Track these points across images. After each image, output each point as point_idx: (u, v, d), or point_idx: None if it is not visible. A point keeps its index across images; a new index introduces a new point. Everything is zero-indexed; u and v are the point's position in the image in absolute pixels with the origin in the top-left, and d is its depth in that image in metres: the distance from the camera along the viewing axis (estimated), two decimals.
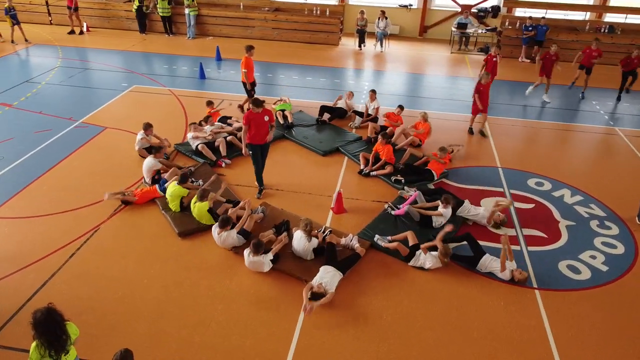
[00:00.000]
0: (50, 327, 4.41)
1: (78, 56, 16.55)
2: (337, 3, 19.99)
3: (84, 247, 7.50)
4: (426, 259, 7.19)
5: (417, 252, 7.27)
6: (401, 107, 11.51)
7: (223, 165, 9.87)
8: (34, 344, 4.49)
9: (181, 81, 14.59)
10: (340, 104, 12.24)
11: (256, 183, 9.01)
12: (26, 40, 17.67)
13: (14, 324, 6.11)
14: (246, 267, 7.12)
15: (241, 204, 8.07)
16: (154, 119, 11.68)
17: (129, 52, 17.24)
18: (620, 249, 7.93)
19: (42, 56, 16.55)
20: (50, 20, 20.11)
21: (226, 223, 7.33)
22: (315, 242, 7.27)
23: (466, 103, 13.50)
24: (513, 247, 7.82)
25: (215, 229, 7.48)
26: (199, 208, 7.85)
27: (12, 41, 17.41)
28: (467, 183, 9.63)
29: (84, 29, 19.30)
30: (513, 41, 17.75)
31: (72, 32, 19.06)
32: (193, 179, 9.08)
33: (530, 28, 17.19)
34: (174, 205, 8.16)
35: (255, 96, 8.46)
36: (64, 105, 12.44)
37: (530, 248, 7.88)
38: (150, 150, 9.83)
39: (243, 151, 8.90)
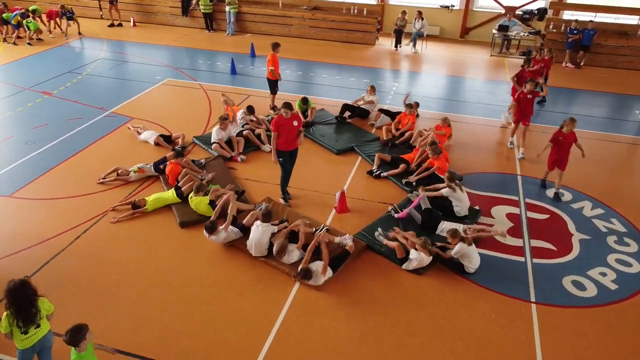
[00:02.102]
0: (19, 298, 4.65)
1: (120, 49, 17.27)
2: (376, 3, 19.80)
3: (90, 230, 7.85)
4: (410, 261, 7.05)
5: (410, 255, 7.14)
6: (409, 106, 11.20)
7: (239, 160, 10.00)
8: (5, 312, 4.75)
9: (213, 76, 14.94)
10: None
11: (281, 192, 8.72)
12: (80, 33, 18.72)
13: None
14: (238, 260, 7.24)
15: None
16: (179, 111, 12.16)
17: (169, 46, 17.82)
18: (635, 268, 7.43)
19: (88, 48, 17.43)
20: (101, 15, 21.09)
21: (212, 229, 7.33)
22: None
23: (499, 108, 13.08)
24: (518, 258, 7.55)
25: (205, 233, 7.41)
26: (197, 202, 8.02)
27: (66, 35, 18.47)
28: (481, 189, 9.31)
29: (131, 23, 20.18)
30: (557, 45, 16.96)
31: (112, 25, 20.00)
32: (204, 172, 9.30)
33: (575, 32, 16.37)
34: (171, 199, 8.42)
35: (286, 101, 8.26)
36: (98, 96, 13.02)
37: (536, 260, 7.52)
38: (168, 139, 10.19)
39: (273, 159, 8.37)
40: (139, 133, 10.59)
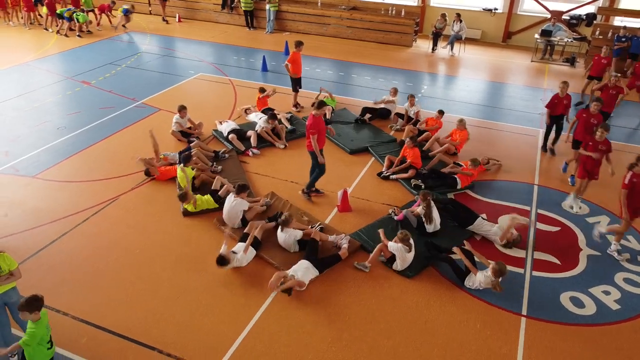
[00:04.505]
0: None
1: (162, 44, 17.94)
2: (416, 4, 19.54)
3: (99, 213, 8.24)
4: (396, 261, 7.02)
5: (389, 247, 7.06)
6: (441, 112, 11.05)
7: (250, 154, 10.19)
8: None
9: (244, 72, 15.25)
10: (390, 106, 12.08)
11: (307, 187, 8.78)
12: (124, 26, 19.56)
13: (21, 270, 6.85)
14: None
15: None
16: (204, 104, 12.51)
17: (209, 42, 18.33)
18: None
19: (132, 42, 18.19)
20: (150, 11, 21.99)
21: (244, 189, 7.94)
22: (297, 233, 7.32)
23: (531, 115, 12.63)
24: (516, 269, 7.29)
25: (231, 195, 7.93)
26: (190, 208, 8.23)
27: (115, 27, 19.43)
28: (493, 197, 9.04)
29: (176, 19, 20.92)
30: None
31: (164, 20, 20.81)
32: (215, 163, 9.54)
33: (623, 39, 15.52)
34: (183, 185, 8.66)
35: (320, 99, 8.29)
36: (132, 87, 13.59)
37: (536, 273, 7.23)
38: (185, 135, 10.48)
39: (321, 160, 8.40)
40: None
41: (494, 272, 6.53)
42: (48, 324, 4.90)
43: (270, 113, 10.94)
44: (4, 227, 7.82)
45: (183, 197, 8.07)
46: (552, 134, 10.67)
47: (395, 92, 12.04)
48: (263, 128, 10.62)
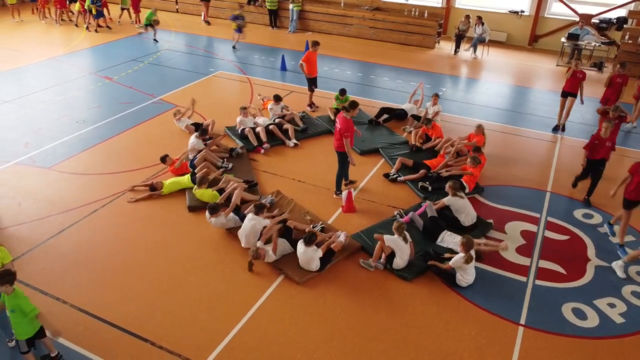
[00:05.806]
0: None
1: (185, 41, 18.23)
2: (441, 6, 19.30)
3: (107, 206, 8.43)
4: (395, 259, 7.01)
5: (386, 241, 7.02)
6: (428, 121, 10.81)
7: (262, 151, 10.26)
8: None
9: (262, 71, 15.36)
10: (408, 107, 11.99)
11: (337, 186, 8.88)
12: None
13: (28, 258, 7.12)
14: (234, 247, 7.46)
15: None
16: (220, 101, 12.68)
17: (232, 41, 18.47)
18: None
19: (157, 39, 18.47)
20: (177, 9, 22.36)
21: (215, 210, 7.62)
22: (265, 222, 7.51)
23: (551, 120, 12.29)
24: (519, 277, 7.13)
25: (206, 213, 7.75)
26: (200, 193, 8.34)
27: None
28: (502, 203, 8.87)
29: (202, 18, 21.18)
30: (632, 57, 15.60)
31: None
32: (225, 160, 9.65)
33: None
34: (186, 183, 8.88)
35: (352, 100, 8.40)
36: (152, 83, 13.86)
37: (539, 282, 7.05)
38: (198, 127, 10.62)
39: (353, 162, 8.47)
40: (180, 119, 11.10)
41: (462, 247, 6.67)
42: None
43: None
44: (17, 216, 8.10)
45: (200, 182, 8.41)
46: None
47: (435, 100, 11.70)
48: (275, 122, 10.80)
